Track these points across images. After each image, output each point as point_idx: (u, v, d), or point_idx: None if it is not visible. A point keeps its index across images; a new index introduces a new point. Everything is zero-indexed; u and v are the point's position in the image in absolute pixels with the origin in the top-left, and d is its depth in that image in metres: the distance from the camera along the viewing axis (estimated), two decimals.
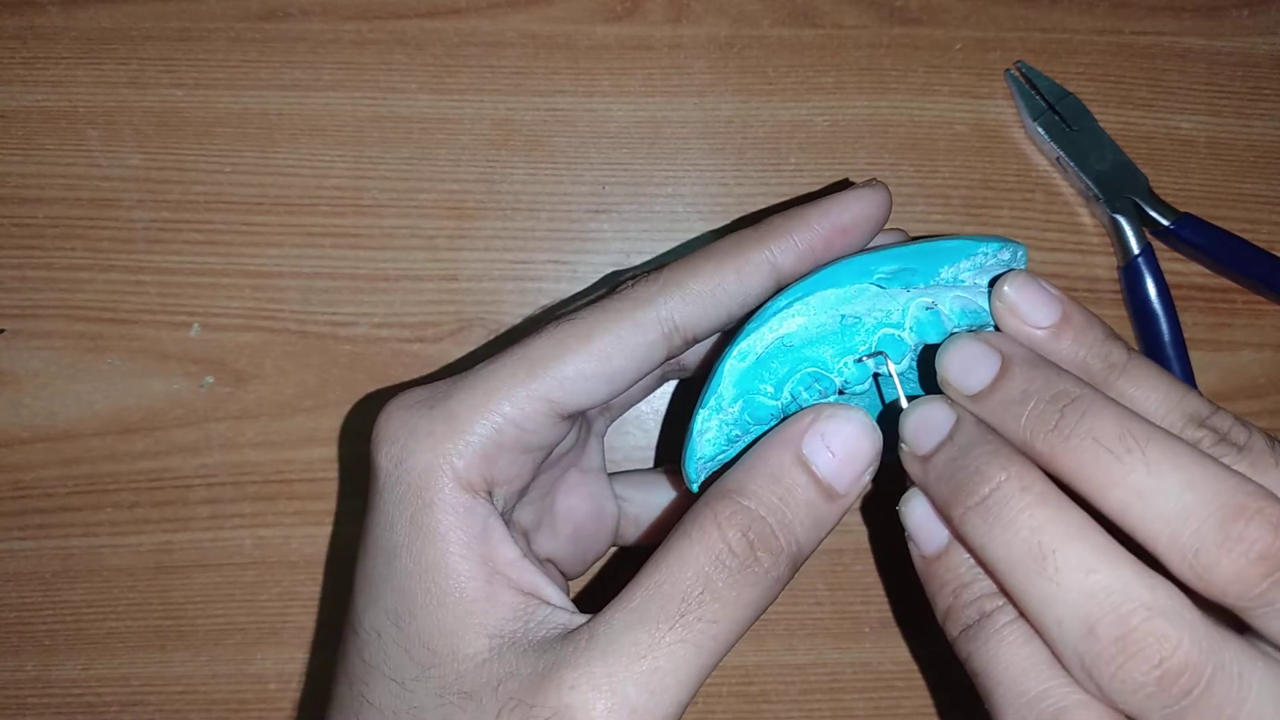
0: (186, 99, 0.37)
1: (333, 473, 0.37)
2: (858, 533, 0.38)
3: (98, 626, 0.37)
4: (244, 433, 0.37)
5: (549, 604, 0.23)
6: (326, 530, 0.37)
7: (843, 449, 0.24)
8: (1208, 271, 0.39)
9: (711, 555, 0.22)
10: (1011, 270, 0.25)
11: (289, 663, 0.37)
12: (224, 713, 0.37)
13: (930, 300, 0.25)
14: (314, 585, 0.37)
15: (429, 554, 0.23)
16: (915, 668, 0.37)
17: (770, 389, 0.26)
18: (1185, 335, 0.37)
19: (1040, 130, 0.38)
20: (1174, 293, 0.37)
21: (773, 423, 0.26)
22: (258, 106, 0.37)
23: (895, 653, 0.38)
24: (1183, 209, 0.37)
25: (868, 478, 0.24)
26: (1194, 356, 0.37)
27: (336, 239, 0.37)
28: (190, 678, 0.37)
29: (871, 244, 0.27)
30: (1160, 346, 0.37)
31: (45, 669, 0.37)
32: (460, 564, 0.23)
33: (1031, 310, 0.24)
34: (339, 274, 0.37)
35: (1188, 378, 0.37)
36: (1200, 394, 0.24)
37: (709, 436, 0.26)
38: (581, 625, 0.22)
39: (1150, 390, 0.24)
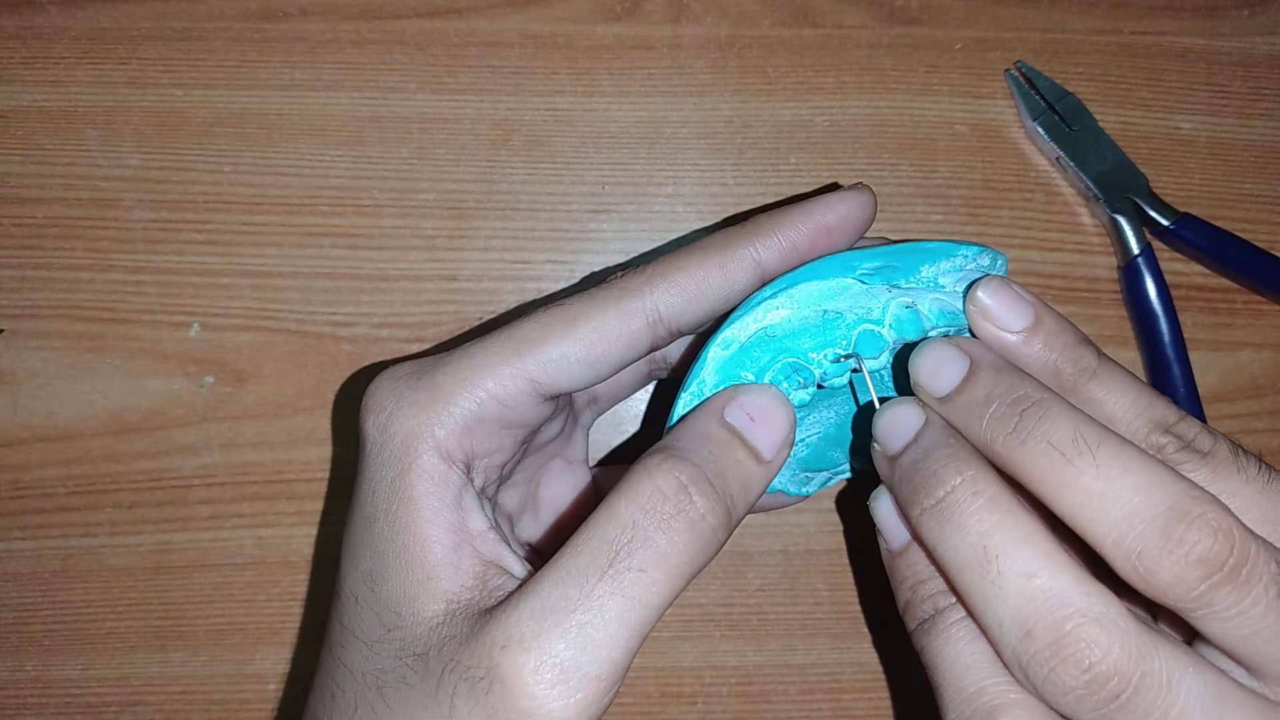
0: (186, 99, 0.37)
1: (334, 472, 0.37)
2: (857, 533, 0.38)
3: (97, 626, 0.37)
4: (244, 433, 0.37)
5: (509, 573, 0.24)
6: (327, 530, 0.37)
7: (761, 414, 0.24)
8: (1208, 271, 0.39)
9: (641, 502, 0.22)
10: (987, 275, 0.26)
11: (289, 663, 0.37)
12: (224, 713, 0.37)
13: (910, 300, 0.26)
14: (314, 585, 0.37)
15: (402, 517, 0.23)
16: (914, 668, 0.37)
17: (751, 377, 0.26)
18: (1185, 335, 0.37)
19: (1040, 130, 0.38)
20: (1174, 293, 0.37)
21: None
22: (257, 106, 0.37)
23: (895, 653, 0.38)
24: (1183, 209, 0.37)
25: (786, 449, 0.25)
26: (1194, 356, 0.37)
27: (336, 239, 0.37)
28: (190, 678, 0.37)
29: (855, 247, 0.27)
30: (1160, 346, 0.37)
31: (45, 669, 0.37)
32: (429, 529, 0.23)
33: (1004, 314, 0.25)
34: (339, 274, 0.37)
35: (1187, 378, 0.37)
36: (1169, 401, 0.24)
37: None
38: (516, 587, 0.22)
39: (1119, 395, 0.24)
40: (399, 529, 0.23)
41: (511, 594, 0.22)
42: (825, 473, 0.32)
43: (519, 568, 0.24)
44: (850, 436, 0.32)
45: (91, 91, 0.37)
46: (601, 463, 0.37)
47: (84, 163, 0.37)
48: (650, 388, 0.38)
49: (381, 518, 0.24)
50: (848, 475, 0.32)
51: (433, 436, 0.24)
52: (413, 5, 0.38)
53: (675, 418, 0.26)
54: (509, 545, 0.24)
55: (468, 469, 0.24)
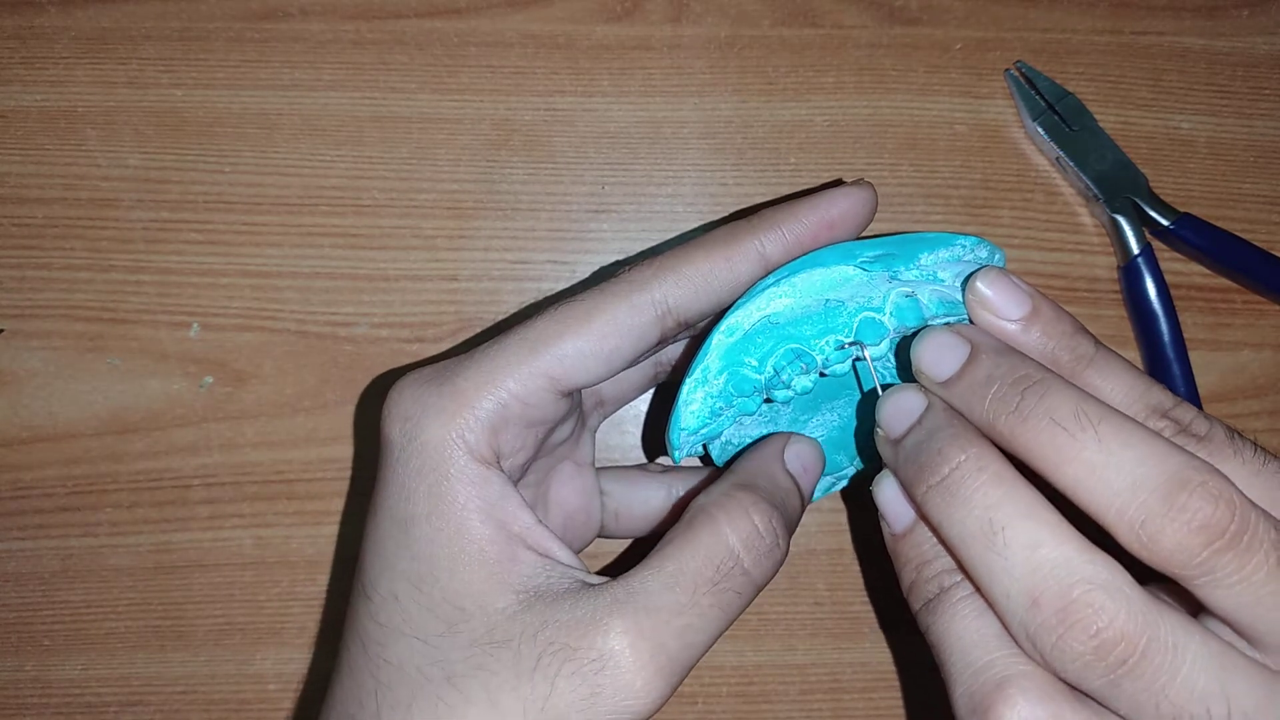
0: (186, 99, 0.37)
1: (333, 472, 0.37)
2: (858, 533, 0.38)
3: (98, 626, 0.37)
4: (244, 433, 0.37)
5: (563, 563, 0.25)
6: (327, 530, 0.37)
7: (810, 464, 0.29)
8: (1208, 271, 0.39)
9: (742, 536, 0.25)
10: (984, 266, 0.26)
11: (289, 663, 0.37)
12: (224, 713, 0.37)
13: (910, 290, 0.26)
14: (314, 585, 0.37)
15: (450, 522, 0.24)
16: (915, 668, 0.37)
17: (754, 363, 0.27)
18: (1185, 335, 0.37)
19: (1040, 130, 0.38)
20: (1174, 293, 0.37)
21: (755, 396, 0.27)
22: (257, 106, 0.37)
23: (896, 653, 0.38)
24: (1183, 209, 0.37)
25: (812, 491, 0.29)
26: (1194, 356, 0.37)
27: (336, 239, 0.37)
28: (190, 678, 0.37)
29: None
30: (1160, 346, 0.37)
31: (45, 669, 0.37)
32: (481, 529, 0.24)
33: (1003, 303, 0.25)
34: (339, 274, 0.37)
35: (1187, 378, 0.37)
36: (1164, 387, 0.25)
37: (693, 409, 0.27)
38: (612, 582, 0.24)
39: (1116, 382, 0.25)
40: (449, 533, 0.24)
41: (609, 587, 0.24)
42: (829, 477, 0.32)
43: (568, 557, 0.25)
44: (853, 439, 0.32)
45: (91, 92, 0.37)
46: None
47: (84, 163, 0.37)
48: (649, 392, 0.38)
49: (422, 522, 0.25)
50: (849, 480, 0.32)
51: (464, 442, 0.25)
52: (413, 5, 0.38)
53: (681, 406, 0.27)
54: (552, 534, 0.25)
55: (500, 468, 0.25)
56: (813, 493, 0.29)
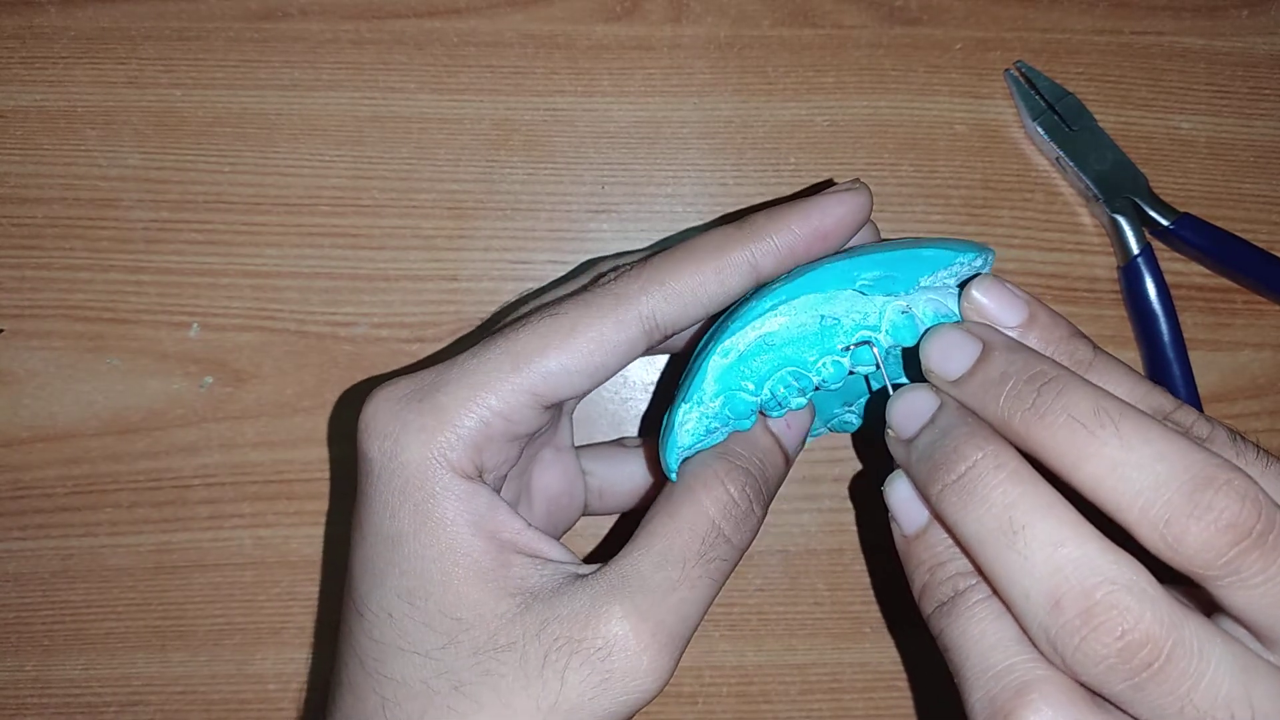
0: (185, 99, 0.37)
1: (333, 472, 0.37)
2: (858, 532, 0.38)
3: (98, 626, 0.37)
4: (244, 433, 0.37)
5: (555, 560, 0.25)
6: (328, 530, 0.37)
7: (794, 419, 0.29)
8: (1208, 271, 0.39)
9: (720, 506, 0.26)
10: (980, 274, 0.26)
11: (289, 663, 0.37)
12: (224, 713, 0.37)
13: (905, 304, 0.26)
14: (314, 585, 0.37)
15: (440, 538, 0.24)
16: (916, 668, 0.38)
17: (751, 386, 0.27)
18: (1185, 335, 0.37)
19: (1040, 130, 0.38)
20: (1174, 293, 0.37)
21: (751, 418, 0.27)
22: (257, 106, 0.37)
23: (895, 653, 0.38)
24: (1183, 209, 0.37)
25: (802, 446, 0.30)
26: (1194, 356, 0.37)
27: (336, 239, 0.37)
28: (190, 678, 0.37)
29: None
30: (1160, 346, 0.37)
31: (45, 669, 0.37)
32: (471, 543, 0.25)
33: (999, 311, 0.25)
34: (339, 274, 0.37)
35: (1187, 378, 0.37)
36: (1164, 391, 0.24)
37: (689, 428, 0.27)
38: (604, 569, 0.25)
39: (1115, 386, 0.24)
40: (439, 549, 0.24)
41: (600, 575, 0.25)
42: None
43: (560, 553, 0.26)
44: (835, 397, 0.32)
45: (91, 91, 0.37)
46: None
47: (84, 163, 0.37)
48: (646, 387, 0.38)
49: (410, 539, 0.24)
50: (817, 435, 0.32)
51: (447, 460, 0.24)
52: (413, 5, 0.38)
53: (676, 427, 0.27)
54: (541, 535, 0.26)
55: (483, 479, 0.25)
56: (797, 448, 0.29)
